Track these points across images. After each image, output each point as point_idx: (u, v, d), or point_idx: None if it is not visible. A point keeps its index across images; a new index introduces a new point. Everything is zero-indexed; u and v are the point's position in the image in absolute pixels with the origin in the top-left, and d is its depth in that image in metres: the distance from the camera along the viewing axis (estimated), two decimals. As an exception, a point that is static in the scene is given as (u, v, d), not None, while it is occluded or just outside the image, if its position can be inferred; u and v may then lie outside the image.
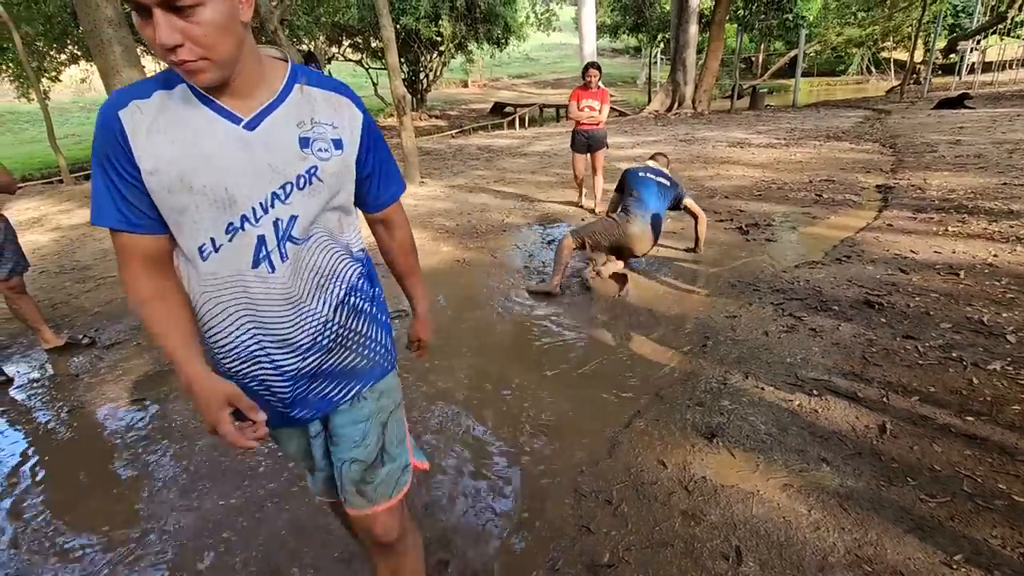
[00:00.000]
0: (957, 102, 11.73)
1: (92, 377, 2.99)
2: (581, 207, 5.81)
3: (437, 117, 22.29)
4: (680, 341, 2.91)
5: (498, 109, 22.62)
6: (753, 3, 18.16)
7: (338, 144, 0.96)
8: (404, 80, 8.66)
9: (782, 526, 1.68)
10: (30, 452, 2.43)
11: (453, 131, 16.88)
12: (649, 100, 19.28)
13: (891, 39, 25.29)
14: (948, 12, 22.76)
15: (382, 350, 1.14)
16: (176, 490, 2.08)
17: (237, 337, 0.96)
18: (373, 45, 19.73)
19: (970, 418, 2.09)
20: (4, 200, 7.76)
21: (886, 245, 4.02)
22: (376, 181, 1.08)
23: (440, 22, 17.08)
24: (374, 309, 1.11)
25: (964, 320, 2.81)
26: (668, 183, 3.93)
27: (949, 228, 4.19)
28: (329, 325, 1.01)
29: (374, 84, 20.87)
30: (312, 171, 0.93)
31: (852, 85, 27.02)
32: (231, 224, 0.89)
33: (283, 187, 0.91)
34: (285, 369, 1.00)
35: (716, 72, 16.37)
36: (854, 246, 4.07)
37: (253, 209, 0.89)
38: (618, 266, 3.94)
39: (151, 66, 12.72)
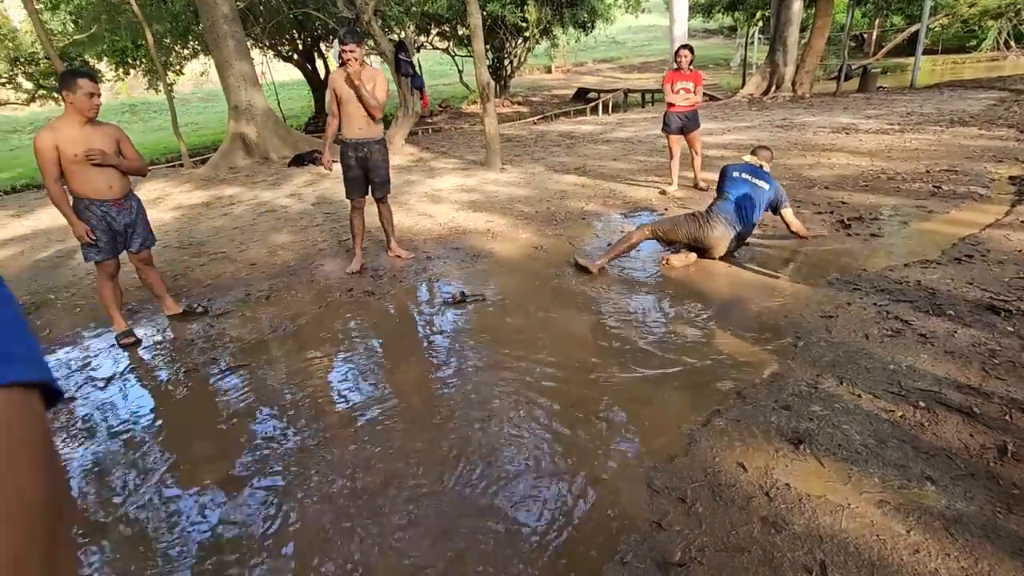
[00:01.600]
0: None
1: (204, 342, 3.32)
2: (665, 194, 5.64)
3: (520, 104, 22.31)
4: (767, 339, 2.76)
5: (581, 95, 22.26)
6: (869, -26, 16.49)
7: None
8: (488, 67, 8.72)
9: (875, 544, 1.56)
10: (151, 403, 2.75)
11: (535, 117, 16.84)
12: (743, 83, 18.17)
13: (1039, 8, 22.02)
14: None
15: None
16: (262, 438, 2.27)
17: None
18: (460, 33, 20.01)
19: (1116, 446, 1.82)
20: (137, 181, 8.73)
21: (1018, 244, 3.55)
22: None
23: (526, 7, 17.00)
24: None
25: (1115, 334, 2.44)
26: (766, 186, 3.73)
27: (1102, 227, 3.63)
28: None
29: (459, 71, 21.21)
30: None
31: (985, 63, 23.90)
32: None
33: None
34: None
35: (821, 51, 15.08)
36: (978, 244, 3.64)
37: None
38: (690, 259, 3.81)
39: (259, 59, 13.70)
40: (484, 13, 15.71)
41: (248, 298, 3.90)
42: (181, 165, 10.96)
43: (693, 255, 3.82)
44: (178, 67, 15.36)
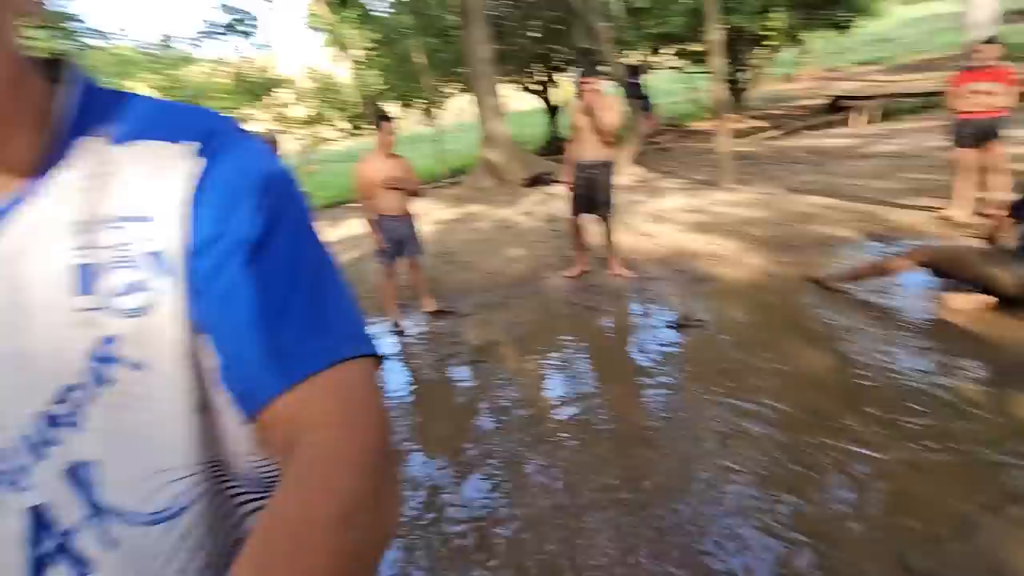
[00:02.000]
0: None
1: (450, 338, 3.95)
2: (948, 220, 4.67)
3: (757, 118, 20.67)
4: (1093, 412, 2.13)
5: (835, 105, 19.58)
6: None
7: (158, 262, 0.41)
8: (724, 81, 8.37)
9: None
10: (408, 381, 3.39)
11: (775, 132, 15.42)
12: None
13: None
14: None
15: None
16: (487, 427, 2.61)
17: None
18: (693, 50, 19.50)
19: None
20: (412, 200, 10.68)
21: None
22: (259, 318, 0.41)
23: (770, 14, 15.73)
24: None
25: None
26: None
27: None
28: None
29: (692, 89, 20.64)
30: (106, 351, 0.40)
31: None
32: None
33: (60, 398, 0.40)
34: None
35: None
36: None
37: (4, 453, 0.40)
38: (983, 302, 3.07)
39: (504, 92, 15.46)
40: (725, 26, 15.09)
41: (486, 303, 4.49)
42: (441, 186, 13.00)
43: (987, 298, 3.08)
44: (443, 103, 18.32)
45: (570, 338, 3.61)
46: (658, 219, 6.28)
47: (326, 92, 18.51)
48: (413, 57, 13.95)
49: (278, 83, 16.84)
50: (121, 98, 0.44)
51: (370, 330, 0.45)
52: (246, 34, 13.41)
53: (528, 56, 15.48)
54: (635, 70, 9.96)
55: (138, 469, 0.41)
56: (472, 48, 10.79)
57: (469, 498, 2.21)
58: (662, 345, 3.31)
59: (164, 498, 0.41)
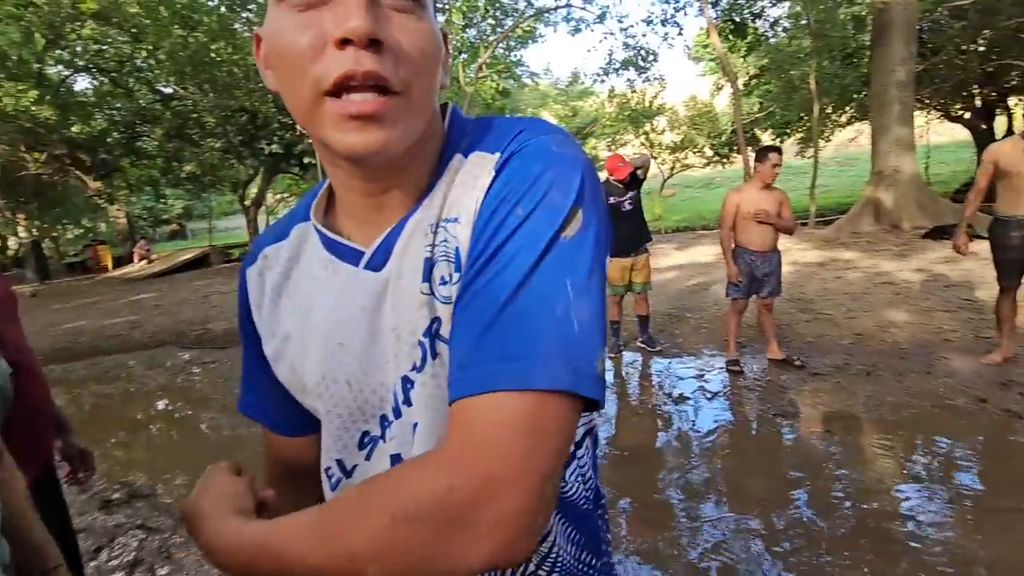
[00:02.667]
0: None
1: (792, 394, 3.53)
2: None
3: None
4: None
5: None
6: None
7: (458, 260, 0.49)
8: None
9: None
10: (731, 425, 3.18)
11: None
12: None
13: None
14: None
15: None
16: (803, 501, 2.22)
17: None
18: None
19: None
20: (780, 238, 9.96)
21: None
22: (467, 325, 0.44)
23: None
24: None
25: None
26: None
27: None
28: None
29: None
30: (431, 329, 0.49)
31: None
32: (365, 434, 0.54)
33: (413, 367, 0.51)
34: None
35: None
36: None
37: (384, 417, 0.53)
38: None
39: (919, 121, 12.67)
40: None
41: (846, 367, 3.84)
42: (806, 223, 11.66)
43: None
44: (828, 134, 16.25)
45: (956, 443, 2.76)
46: None
47: (697, 119, 18.83)
48: (803, 83, 12.84)
49: (658, 112, 18.01)
50: (475, 120, 0.54)
51: (584, 369, 0.41)
52: (641, 70, 14.75)
53: (966, 76, 12.27)
54: None
55: (436, 433, 0.50)
56: (885, 70, 9.24)
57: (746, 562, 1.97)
58: None
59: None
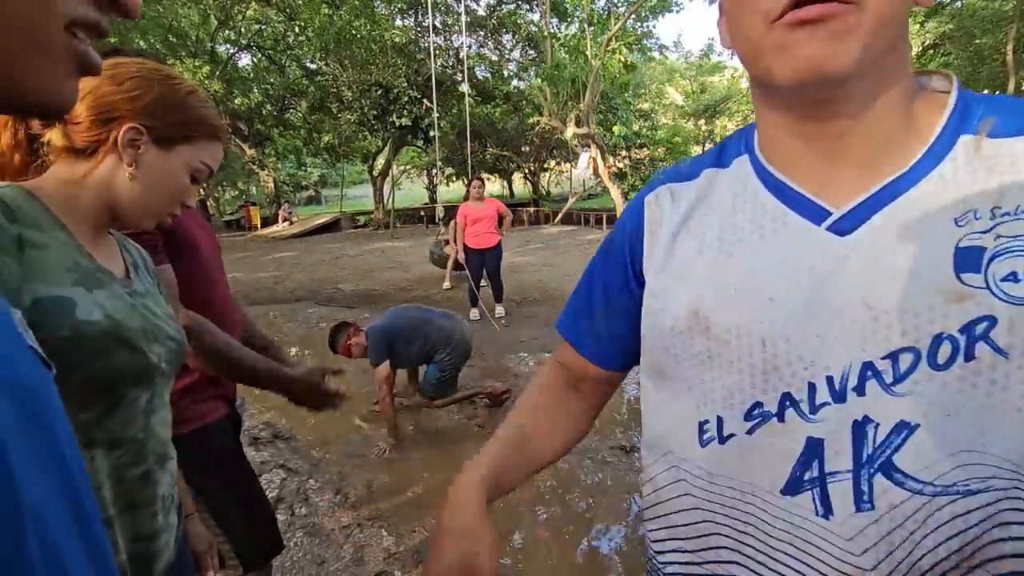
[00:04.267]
0: None
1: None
2: None
3: None
4: None
5: None
6: None
7: None
8: None
9: None
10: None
11: None
12: None
13: None
14: None
15: None
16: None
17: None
18: None
19: None
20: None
21: None
22: None
23: None
24: None
25: None
26: None
27: None
28: None
29: None
30: (975, 328, 0.42)
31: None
32: (757, 405, 0.50)
33: (892, 355, 0.44)
34: None
35: None
36: None
37: (810, 386, 0.47)
38: None
39: None
40: None
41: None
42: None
43: None
44: None
45: None
46: None
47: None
48: (996, 54, 10.86)
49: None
50: (984, 100, 0.47)
51: None
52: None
53: None
54: None
55: (947, 441, 0.43)
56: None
57: None
58: None
59: (957, 474, 0.43)
